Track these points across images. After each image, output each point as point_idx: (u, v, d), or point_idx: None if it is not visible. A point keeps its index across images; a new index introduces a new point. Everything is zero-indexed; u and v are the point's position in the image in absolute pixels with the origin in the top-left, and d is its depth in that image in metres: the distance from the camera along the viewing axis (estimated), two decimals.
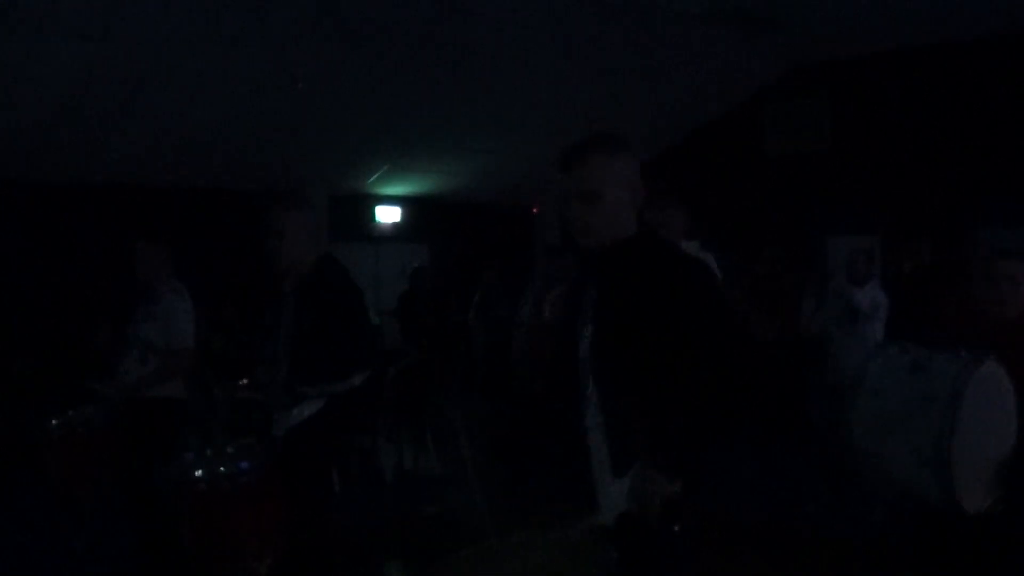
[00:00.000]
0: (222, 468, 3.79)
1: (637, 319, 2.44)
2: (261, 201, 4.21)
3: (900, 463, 3.39)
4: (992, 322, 3.85)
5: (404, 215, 14.00)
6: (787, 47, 11.25)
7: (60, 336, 8.98)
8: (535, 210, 15.34)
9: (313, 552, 3.88)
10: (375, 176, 12.51)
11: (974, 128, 10.57)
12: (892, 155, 11.30)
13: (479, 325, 10.94)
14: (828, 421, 6.91)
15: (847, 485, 5.59)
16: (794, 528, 5.76)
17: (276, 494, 3.78)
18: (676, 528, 2.38)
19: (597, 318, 2.55)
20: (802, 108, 12.40)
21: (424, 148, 11.84)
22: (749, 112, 12.82)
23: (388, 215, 13.84)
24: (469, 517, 5.27)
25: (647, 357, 2.40)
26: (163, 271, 5.39)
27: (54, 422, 4.98)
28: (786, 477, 6.83)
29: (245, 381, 4.42)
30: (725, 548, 4.80)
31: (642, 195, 2.61)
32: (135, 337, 5.28)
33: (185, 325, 5.28)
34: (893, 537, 5.02)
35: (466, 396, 9.94)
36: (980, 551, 3.59)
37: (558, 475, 2.62)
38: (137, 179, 10.43)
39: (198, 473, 3.77)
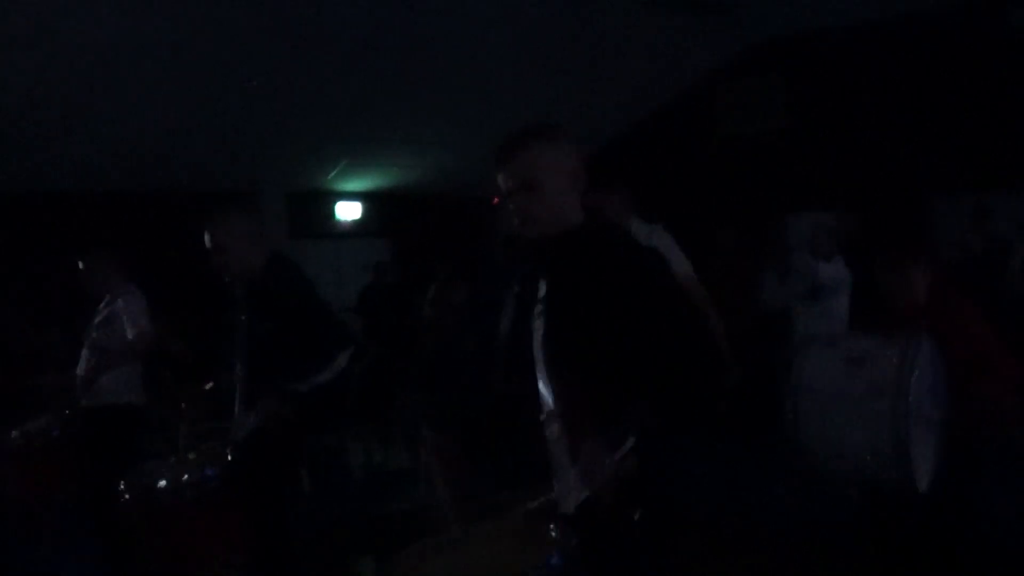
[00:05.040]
0: (187, 476, 3.75)
1: (588, 309, 2.43)
2: (215, 204, 4.12)
3: (857, 454, 3.47)
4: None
5: (365, 211, 13.91)
6: (737, 27, 11.29)
7: (8, 341, 8.82)
8: (495, 201, 15.32)
9: (281, 555, 3.85)
10: (334, 172, 12.43)
11: (931, 100, 10.67)
12: (850, 130, 11.37)
13: (435, 320, 10.78)
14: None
15: (805, 477, 5.57)
16: (756, 522, 5.74)
17: (242, 499, 3.74)
18: (636, 515, 2.37)
19: (548, 309, 2.56)
20: (756, 87, 12.42)
21: (380, 143, 11.78)
22: (702, 94, 12.84)
23: (349, 211, 13.75)
24: (438, 512, 5.26)
25: (600, 346, 2.40)
26: (115, 277, 5.35)
27: (14, 433, 4.89)
28: (751, 470, 6.81)
29: (211, 385, 4.39)
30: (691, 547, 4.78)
31: (583, 181, 2.60)
32: (90, 341, 5.24)
33: (141, 318, 5.20)
34: (853, 526, 5.04)
35: (428, 391, 9.88)
36: (934, 526, 3.68)
37: (518, 466, 2.62)
38: (88, 185, 10.26)
39: (162, 483, 3.72)
